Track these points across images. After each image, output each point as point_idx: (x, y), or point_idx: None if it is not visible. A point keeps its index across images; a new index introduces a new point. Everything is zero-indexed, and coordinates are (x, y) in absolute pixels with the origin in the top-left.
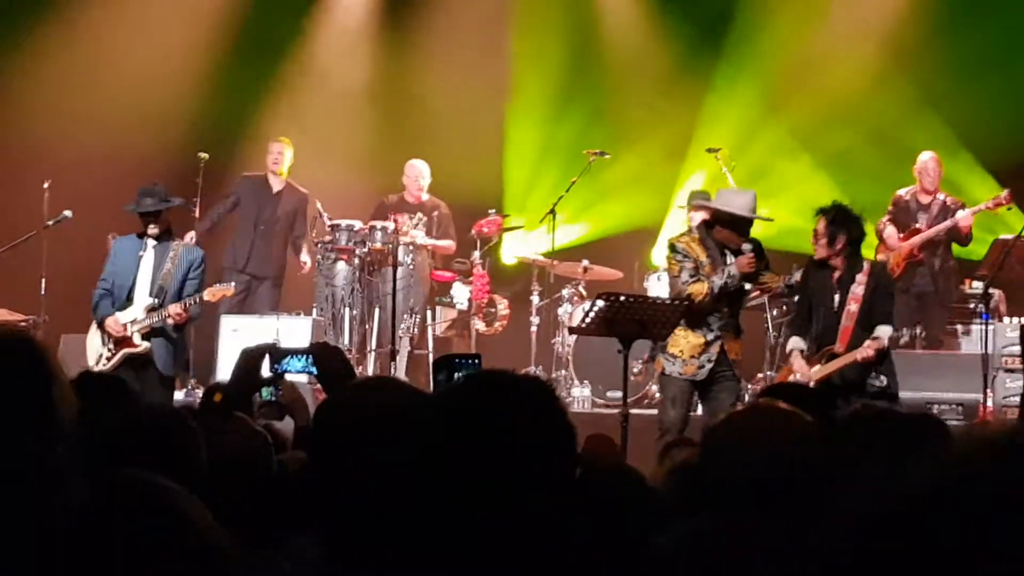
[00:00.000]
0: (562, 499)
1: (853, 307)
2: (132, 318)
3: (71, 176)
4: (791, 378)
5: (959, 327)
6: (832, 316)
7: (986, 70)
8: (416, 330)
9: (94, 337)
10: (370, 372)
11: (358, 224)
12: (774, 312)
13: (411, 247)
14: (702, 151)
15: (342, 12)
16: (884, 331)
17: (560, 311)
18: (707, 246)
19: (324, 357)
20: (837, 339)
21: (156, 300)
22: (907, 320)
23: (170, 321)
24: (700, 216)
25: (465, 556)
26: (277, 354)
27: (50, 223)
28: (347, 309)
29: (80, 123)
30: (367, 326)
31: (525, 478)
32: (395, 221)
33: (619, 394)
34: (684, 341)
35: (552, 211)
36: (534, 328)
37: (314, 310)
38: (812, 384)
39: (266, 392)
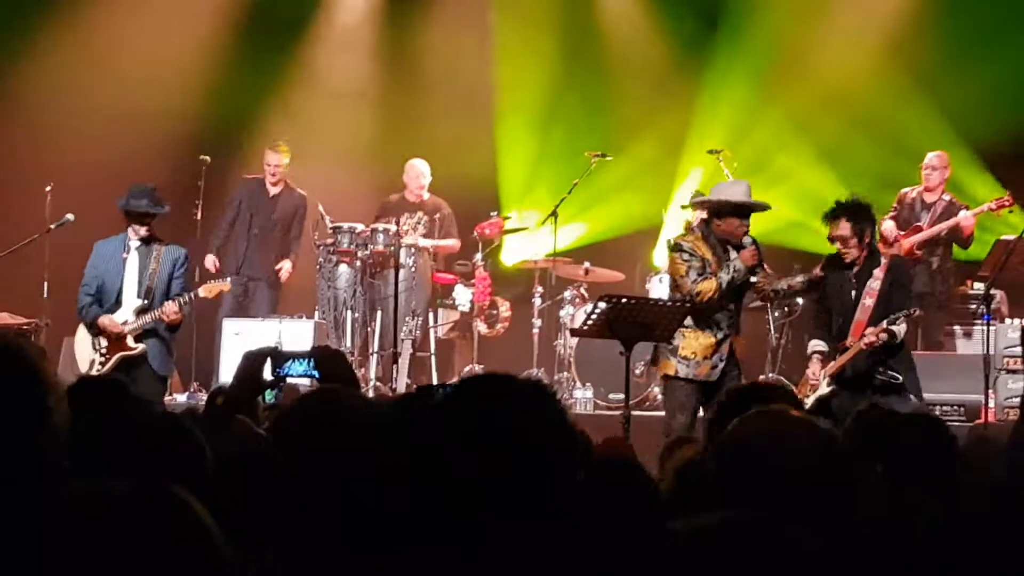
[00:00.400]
0: (563, 501)
1: (868, 301)
2: (122, 321)
3: (73, 180)
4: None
5: (959, 328)
6: (851, 312)
7: (984, 59)
8: (418, 332)
9: (83, 343)
10: (372, 375)
11: (360, 226)
12: (776, 313)
13: (413, 249)
14: (700, 148)
15: (342, 12)
16: (898, 331)
17: (562, 313)
18: (710, 243)
19: (326, 360)
20: (850, 333)
21: (145, 301)
22: None
23: (166, 320)
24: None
25: (465, 559)
26: (279, 358)
27: (52, 227)
28: (349, 312)
29: (82, 127)
30: (369, 329)
31: (525, 480)
32: (398, 224)
33: (621, 396)
34: (696, 342)
35: (554, 213)
36: (536, 330)
37: (316, 313)
38: (826, 383)
39: (269, 395)
